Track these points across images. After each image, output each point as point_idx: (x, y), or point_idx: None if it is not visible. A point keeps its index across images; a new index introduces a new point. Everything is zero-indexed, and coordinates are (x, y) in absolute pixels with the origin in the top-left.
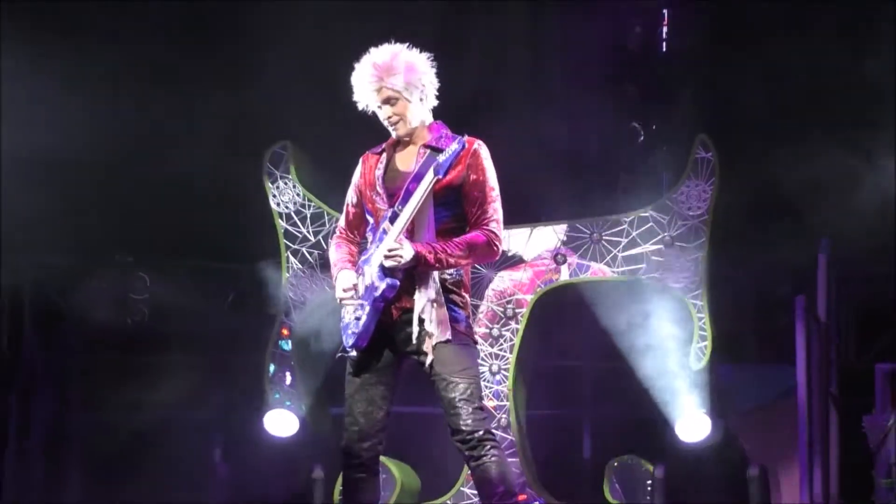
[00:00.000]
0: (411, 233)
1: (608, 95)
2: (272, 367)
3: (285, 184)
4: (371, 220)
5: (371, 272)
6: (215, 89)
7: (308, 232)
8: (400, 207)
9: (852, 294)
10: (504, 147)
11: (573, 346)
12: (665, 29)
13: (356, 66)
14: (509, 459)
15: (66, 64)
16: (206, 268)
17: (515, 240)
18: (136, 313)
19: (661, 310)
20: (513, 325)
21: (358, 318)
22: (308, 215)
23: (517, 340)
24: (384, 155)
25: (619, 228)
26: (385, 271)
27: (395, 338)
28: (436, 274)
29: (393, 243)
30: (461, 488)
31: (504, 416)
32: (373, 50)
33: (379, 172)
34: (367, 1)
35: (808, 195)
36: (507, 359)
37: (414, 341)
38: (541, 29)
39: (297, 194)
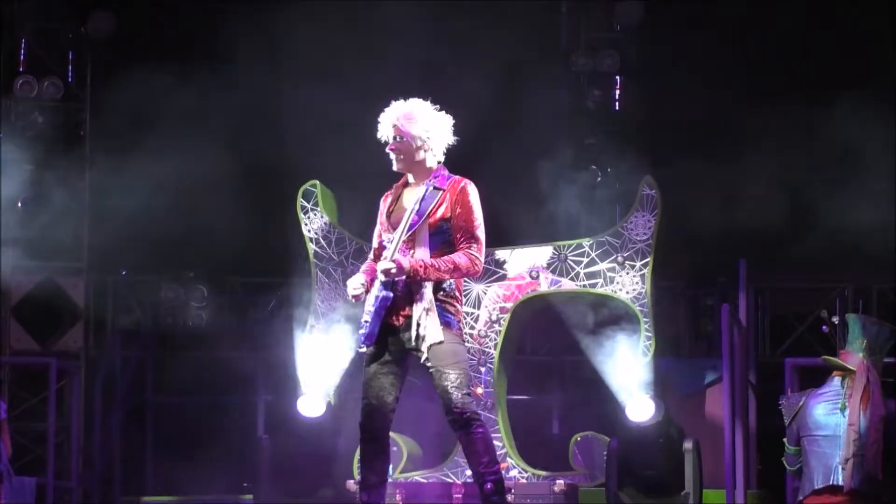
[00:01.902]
0: (412, 254)
1: (573, 146)
2: (304, 361)
3: (315, 214)
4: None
5: (376, 285)
6: (259, 141)
7: (333, 253)
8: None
9: (766, 303)
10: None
11: (545, 344)
12: (618, 92)
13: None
14: (493, 435)
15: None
16: (251, 282)
17: (499, 257)
18: (195, 318)
19: (614, 315)
20: (497, 327)
21: (366, 322)
22: (333, 240)
23: (500, 340)
24: (393, 194)
25: (581, 250)
26: (384, 285)
27: (400, 338)
28: (429, 288)
29: (387, 262)
30: (455, 458)
31: (490, 400)
32: (411, 99)
33: (385, 207)
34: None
35: (728, 225)
36: (492, 354)
37: (413, 342)
38: (516, 96)
39: (325, 223)
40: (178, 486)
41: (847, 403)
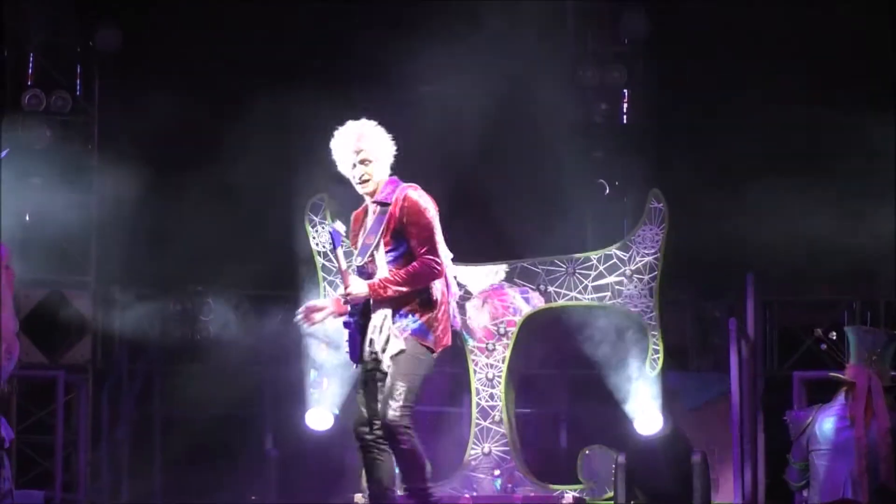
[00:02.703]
0: (373, 274)
1: (581, 160)
2: (312, 374)
3: (322, 227)
4: None
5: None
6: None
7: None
8: (358, 258)
9: (773, 317)
10: (499, 200)
11: (553, 358)
12: (625, 106)
13: (336, 134)
14: (502, 449)
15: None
16: (259, 294)
17: (501, 272)
18: (203, 331)
19: (622, 328)
20: (504, 340)
21: (348, 340)
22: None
23: (508, 353)
24: (361, 213)
25: (588, 264)
26: (351, 309)
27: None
28: (389, 303)
29: (345, 289)
30: (464, 472)
31: (498, 413)
32: (348, 122)
33: (353, 230)
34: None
35: (737, 239)
36: (500, 368)
37: (372, 354)
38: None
39: None
40: (185, 500)
41: (853, 419)
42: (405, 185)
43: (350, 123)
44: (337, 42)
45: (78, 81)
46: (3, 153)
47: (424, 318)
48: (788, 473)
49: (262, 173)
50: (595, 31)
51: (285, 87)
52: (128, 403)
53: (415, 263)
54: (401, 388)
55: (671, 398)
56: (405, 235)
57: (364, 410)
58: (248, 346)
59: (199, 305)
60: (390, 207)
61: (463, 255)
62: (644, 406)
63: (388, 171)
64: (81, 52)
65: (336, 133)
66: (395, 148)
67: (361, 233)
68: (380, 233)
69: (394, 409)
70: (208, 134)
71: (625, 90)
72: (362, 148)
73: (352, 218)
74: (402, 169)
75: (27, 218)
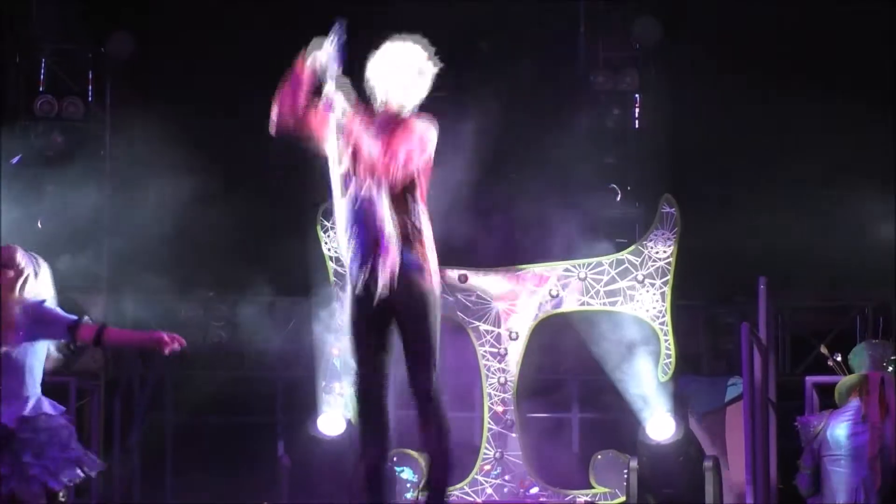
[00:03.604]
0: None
1: (593, 165)
2: (324, 379)
3: (335, 233)
4: None
5: None
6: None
7: None
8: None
9: (785, 321)
10: (511, 205)
11: (565, 362)
12: (637, 111)
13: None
14: (514, 454)
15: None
16: (272, 301)
17: (519, 277)
18: (215, 337)
19: (634, 333)
20: (516, 345)
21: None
22: None
23: (520, 358)
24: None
25: (601, 268)
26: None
27: None
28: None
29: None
30: (476, 476)
31: (510, 418)
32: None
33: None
34: None
35: (749, 243)
36: (513, 373)
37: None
38: (537, 115)
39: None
40: None
41: (867, 414)
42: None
43: (399, 45)
44: (349, 44)
45: (90, 88)
46: (16, 159)
47: (430, 252)
48: (799, 479)
49: (274, 178)
50: (607, 37)
51: None
52: (140, 409)
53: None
54: (434, 351)
55: (683, 403)
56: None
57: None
58: (259, 352)
59: (212, 311)
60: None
61: (475, 261)
62: (656, 411)
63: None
64: (93, 59)
65: (380, 51)
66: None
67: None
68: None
69: (433, 381)
70: (220, 139)
71: (637, 95)
72: (405, 75)
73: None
74: None
75: (39, 224)
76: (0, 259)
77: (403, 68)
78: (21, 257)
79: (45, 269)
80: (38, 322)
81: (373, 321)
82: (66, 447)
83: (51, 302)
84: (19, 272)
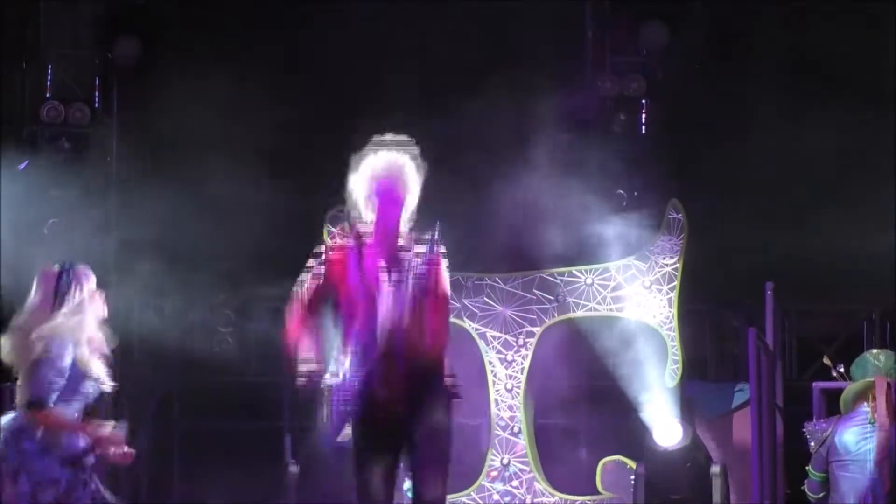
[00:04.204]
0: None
1: (599, 170)
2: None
3: (342, 240)
4: None
5: None
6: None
7: None
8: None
9: (792, 326)
10: (517, 211)
11: (573, 368)
12: (644, 116)
13: (373, 156)
14: (521, 460)
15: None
16: (278, 307)
17: (526, 284)
18: (222, 343)
19: (641, 339)
20: (523, 351)
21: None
22: None
23: (526, 364)
24: (353, 256)
25: (607, 274)
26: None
27: None
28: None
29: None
30: (482, 482)
31: (517, 424)
32: (388, 151)
33: (355, 272)
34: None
35: (756, 248)
36: (520, 379)
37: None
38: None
39: None
40: None
41: (874, 418)
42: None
43: (387, 153)
44: (358, 54)
45: (96, 94)
46: (22, 165)
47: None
48: (808, 486)
49: (281, 185)
50: (614, 42)
51: (305, 98)
52: (147, 415)
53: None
54: (450, 459)
55: (690, 409)
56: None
57: None
58: (267, 358)
59: (219, 317)
60: (418, 254)
61: (481, 266)
62: (663, 417)
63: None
64: (100, 65)
65: (369, 158)
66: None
67: (365, 286)
68: (406, 278)
69: (445, 490)
70: (227, 146)
71: (644, 100)
72: (395, 186)
73: (339, 253)
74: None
75: (45, 231)
76: (90, 281)
77: (398, 186)
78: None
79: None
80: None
81: (382, 445)
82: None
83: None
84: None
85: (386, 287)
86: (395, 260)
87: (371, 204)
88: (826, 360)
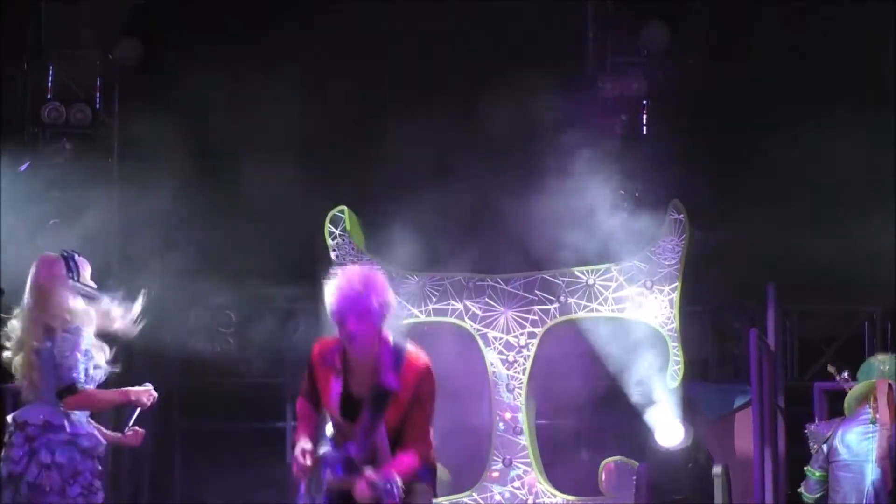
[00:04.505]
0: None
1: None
2: None
3: (343, 240)
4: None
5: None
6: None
7: None
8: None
9: (794, 327)
10: (518, 211)
11: (574, 369)
12: (645, 117)
13: (336, 280)
14: (522, 460)
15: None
16: (279, 307)
17: (528, 285)
18: (223, 343)
19: (643, 340)
20: (525, 352)
21: None
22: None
23: (528, 365)
24: (336, 372)
25: (609, 275)
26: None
27: None
28: None
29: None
30: (484, 483)
31: (518, 425)
32: (351, 270)
33: (334, 396)
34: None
35: (757, 249)
36: (521, 380)
37: None
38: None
39: (352, 248)
40: None
41: (875, 418)
42: (405, 354)
43: (349, 273)
44: (358, 54)
45: (97, 95)
46: (24, 166)
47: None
48: (805, 485)
49: (282, 185)
50: (615, 43)
51: (305, 99)
52: (149, 415)
53: (408, 457)
54: None
55: (692, 409)
56: (406, 415)
57: None
58: (268, 359)
59: (219, 317)
60: (397, 393)
61: (483, 267)
62: (665, 417)
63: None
64: (101, 66)
65: (338, 279)
66: (395, 305)
67: (350, 402)
68: (381, 416)
69: None
70: (228, 146)
71: (645, 101)
72: (358, 304)
73: (319, 357)
74: (423, 181)
75: (48, 230)
76: (87, 269)
77: (353, 315)
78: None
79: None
80: None
81: None
82: None
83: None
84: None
85: (358, 423)
86: (372, 391)
87: (336, 323)
88: (830, 369)
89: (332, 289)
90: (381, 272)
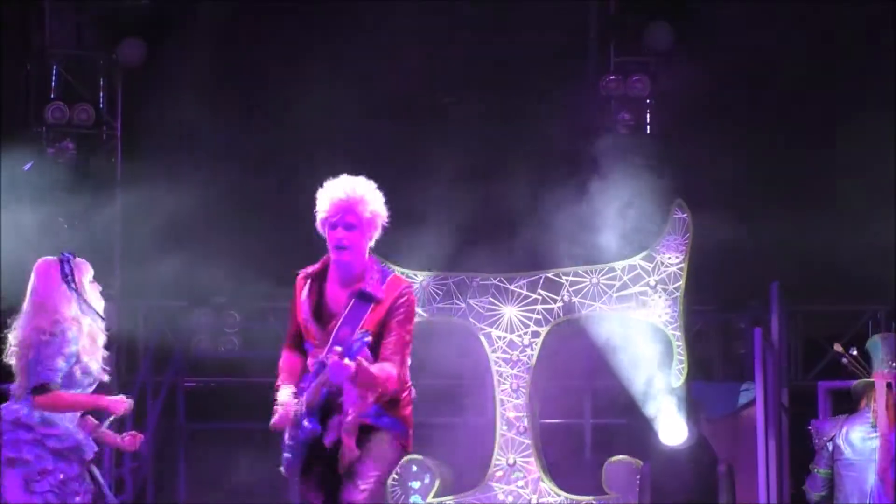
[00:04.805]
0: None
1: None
2: None
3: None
4: (308, 343)
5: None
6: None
7: None
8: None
9: (797, 326)
10: (522, 211)
11: (577, 368)
12: (649, 116)
13: (326, 185)
14: (526, 459)
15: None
16: (283, 307)
17: (531, 284)
18: (228, 343)
19: (646, 339)
20: (528, 351)
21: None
22: None
23: (532, 364)
24: (315, 284)
25: (613, 274)
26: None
27: None
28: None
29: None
30: (488, 482)
31: (522, 424)
32: (346, 177)
33: (307, 304)
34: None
35: (761, 248)
36: (525, 379)
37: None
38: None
39: None
40: None
41: (876, 422)
42: (392, 274)
43: (345, 178)
44: (363, 55)
45: (101, 94)
46: (27, 166)
47: (401, 416)
48: (810, 482)
49: (286, 185)
50: (618, 41)
51: (310, 98)
52: (152, 416)
53: (385, 367)
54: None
55: (696, 408)
56: (382, 334)
57: None
58: (272, 359)
59: (224, 318)
60: (379, 302)
61: (488, 267)
62: (669, 416)
63: (370, 247)
64: (104, 66)
65: (327, 184)
66: (387, 219)
67: (322, 314)
68: (360, 327)
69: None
70: (231, 146)
71: (648, 100)
72: (352, 209)
73: (302, 286)
74: (429, 180)
75: (64, 228)
76: (88, 272)
77: (337, 208)
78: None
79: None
80: None
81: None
82: None
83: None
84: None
85: (335, 327)
86: (352, 296)
87: (327, 228)
88: (837, 347)
89: (326, 194)
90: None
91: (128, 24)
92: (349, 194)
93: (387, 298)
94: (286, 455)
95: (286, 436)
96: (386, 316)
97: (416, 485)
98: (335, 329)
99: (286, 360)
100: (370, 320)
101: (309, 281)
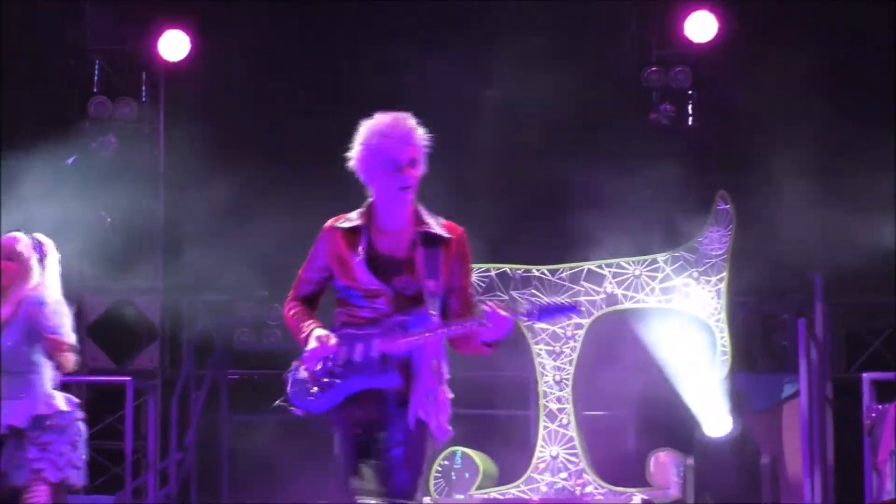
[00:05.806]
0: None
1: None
2: None
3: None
4: (355, 295)
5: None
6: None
7: None
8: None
9: (842, 318)
10: (565, 203)
11: (621, 360)
12: (691, 107)
13: (378, 128)
14: (569, 451)
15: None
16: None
17: (574, 275)
18: (270, 336)
19: (689, 330)
20: (571, 343)
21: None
22: None
23: (575, 356)
24: (358, 236)
25: (656, 265)
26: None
27: None
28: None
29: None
30: (531, 474)
31: (565, 416)
32: (386, 115)
33: (362, 256)
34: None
35: (804, 240)
36: (568, 370)
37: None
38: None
39: None
40: None
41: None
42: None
43: (384, 115)
44: (399, 46)
45: (143, 88)
46: (70, 160)
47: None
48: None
49: (328, 179)
50: (660, 33)
51: (355, 92)
52: (196, 409)
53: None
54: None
55: (739, 400)
56: (450, 280)
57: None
58: None
59: (266, 311)
60: (447, 244)
61: (529, 258)
62: (712, 408)
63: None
64: (147, 60)
65: (377, 126)
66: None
67: (377, 267)
68: (440, 276)
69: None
70: (274, 140)
71: (690, 92)
72: (411, 141)
73: (335, 238)
74: (468, 173)
75: (107, 222)
76: (0, 251)
77: (404, 147)
78: (23, 247)
79: (52, 254)
80: (35, 323)
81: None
82: (76, 446)
83: (54, 292)
84: (23, 263)
85: (402, 277)
86: (415, 241)
87: (389, 170)
88: None
89: (374, 136)
90: None
91: (170, 17)
92: (405, 126)
93: (452, 240)
94: (315, 390)
95: (319, 368)
96: (455, 260)
97: (460, 476)
98: (422, 282)
99: (295, 306)
100: (443, 268)
101: (350, 234)
